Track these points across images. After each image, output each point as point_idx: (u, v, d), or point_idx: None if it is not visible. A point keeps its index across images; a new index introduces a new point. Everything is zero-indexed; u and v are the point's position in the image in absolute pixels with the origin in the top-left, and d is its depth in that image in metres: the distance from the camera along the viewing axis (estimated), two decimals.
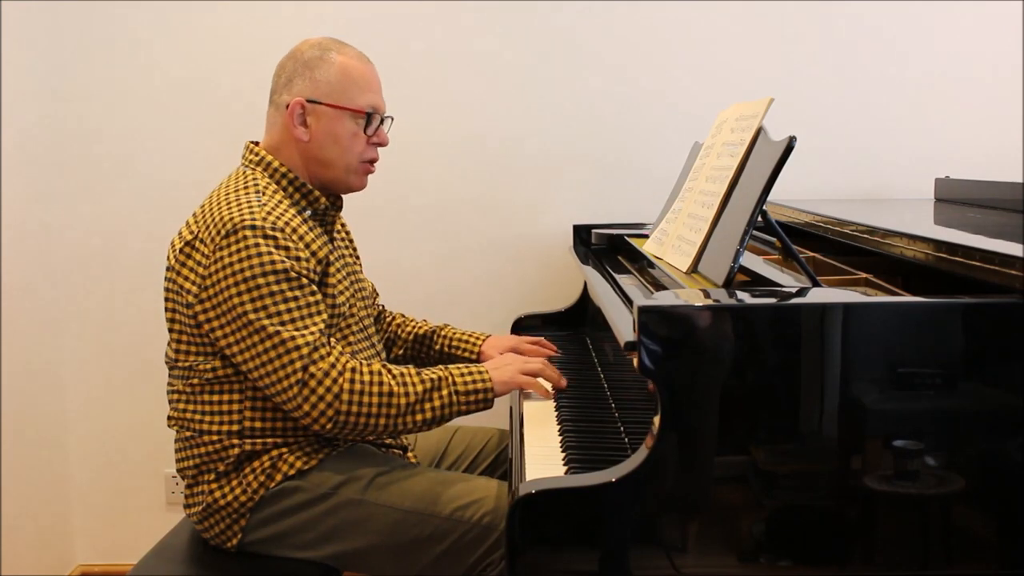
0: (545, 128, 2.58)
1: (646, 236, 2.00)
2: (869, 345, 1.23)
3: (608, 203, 2.59)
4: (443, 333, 2.06)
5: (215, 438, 1.64)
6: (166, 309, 1.65)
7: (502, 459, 1.96)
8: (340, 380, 1.55)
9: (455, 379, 1.64)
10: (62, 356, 2.66)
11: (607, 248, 2.35)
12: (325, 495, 1.63)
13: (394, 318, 2.10)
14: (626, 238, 2.19)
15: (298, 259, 1.57)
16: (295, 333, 1.53)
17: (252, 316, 1.53)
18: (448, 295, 2.61)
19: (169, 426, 1.72)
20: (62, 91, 2.58)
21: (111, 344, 2.68)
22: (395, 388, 1.58)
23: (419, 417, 1.60)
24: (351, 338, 1.72)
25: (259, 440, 1.63)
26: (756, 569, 1.26)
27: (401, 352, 2.07)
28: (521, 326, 2.37)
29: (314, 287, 1.58)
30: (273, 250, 1.54)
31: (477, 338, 2.03)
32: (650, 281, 1.78)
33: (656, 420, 1.23)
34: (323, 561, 1.65)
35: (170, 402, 1.71)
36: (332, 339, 1.60)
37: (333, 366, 1.55)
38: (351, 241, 1.94)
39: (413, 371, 1.63)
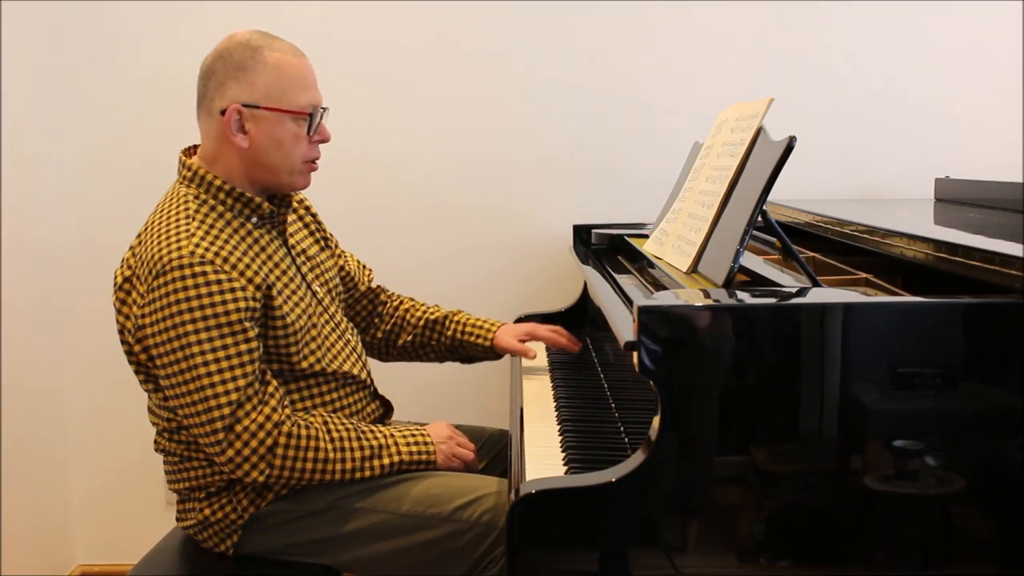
0: (545, 128, 2.58)
1: (646, 236, 2.00)
2: (869, 345, 1.23)
3: (608, 203, 2.59)
4: (456, 319, 2.02)
5: (203, 462, 1.62)
6: (121, 342, 1.60)
7: (500, 457, 1.95)
8: (268, 440, 1.51)
9: (400, 448, 1.64)
10: (62, 356, 2.66)
11: (607, 248, 2.34)
12: (323, 509, 1.62)
13: (401, 302, 2.04)
14: (626, 238, 2.19)
15: (232, 290, 1.50)
16: (220, 387, 1.48)
17: (183, 364, 1.49)
18: (449, 295, 2.60)
19: (156, 451, 1.69)
20: (63, 92, 2.58)
21: (111, 344, 2.66)
22: (331, 455, 1.57)
23: (357, 475, 1.60)
24: (325, 343, 1.67)
25: None
26: (756, 569, 1.26)
27: (410, 338, 2.01)
28: None
29: (248, 329, 1.51)
30: (203, 290, 1.48)
31: (492, 325, 2.00)
32: (650, 281, 1.78)
33: (656, 420, 1.23)
34: (322, 563, 1.65)
35: (153, 424, 1.68)
36: (271, 386, 1.54)
37: (262, 426, 1.51)
38: (318, 226, 1.86)
39: (354, 434, 1.61)
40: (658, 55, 2.55)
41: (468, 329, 2.00)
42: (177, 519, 1.71)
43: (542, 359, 2.12)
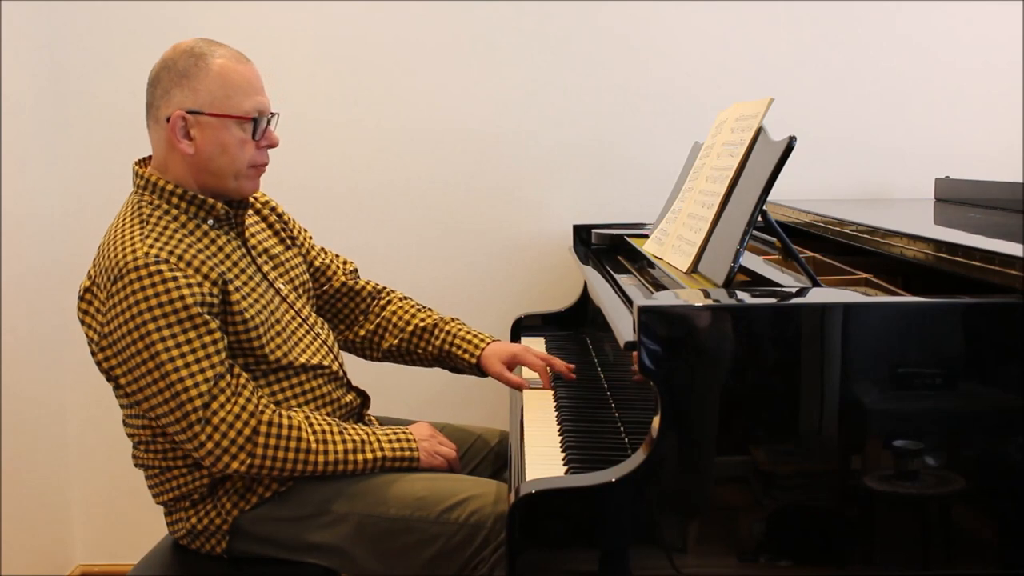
0: (545, 128, 2.58)
1: (646, 236, 2.00)
2: (869, 345, 1.23)
3: (608, 203, 2.59)
4: (447, 328, 1.93)
5: (183, 471, 1.63)
6: (91, 354, 1.61)
7: (490, 459, 1.94)
8: (246, 430, 1.52)
9: (383, 444, 1.64)
10: (62, 356, 2.66)
11: (607, 248, 2.35)
12: (310, 514, 1.62)
13: (390, 302, 1.97)
14: (626, 238, 2.19)
15: (189, 285, 1.51)
16: (189, 380, 1.50)
17: (150, 364, 1.50)
18: (448, 295, 2.61)
19: (135, 465, 1.70)
20: (63, 90, 2.58)
21: None
22: (314, 446, 1.58)
23: (340, 468, 1.60)
24: (292, 337, 1.68)
25: None
26: (756, 569, 1.26)
27: (396, 342, 1.94)
28: (521, 326, 2.37)
29: (209, 320, 1.52)
30: (160, 287, 1.50)
31: (482, 340, 1.91)
32: (650, 281, 1.78)
33: (656, 420, 1.23)
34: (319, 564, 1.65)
35: (129, 437, 1.69)
36: (243, 378, 1.56)
37: (239, 416, 1.52)
38: (284, 225, 1.84)
39: (336, 429, 1.62)
40: (658, 55, 2.55)
41: (457, 342, 1.92)
42: (168, 530, 1.72)
43: None
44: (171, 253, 1.53)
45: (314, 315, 1.81)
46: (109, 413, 2.68)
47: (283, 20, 2.57)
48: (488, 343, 1.92)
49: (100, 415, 2.69)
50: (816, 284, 1.42)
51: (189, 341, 1.51)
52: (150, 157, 1.70)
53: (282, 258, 1.79)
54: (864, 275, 1.55)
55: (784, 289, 1.38)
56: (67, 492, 2.72)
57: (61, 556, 2.71)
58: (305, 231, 1.94)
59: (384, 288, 2.01)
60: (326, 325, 1.85)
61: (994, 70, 2.52)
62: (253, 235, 1.75)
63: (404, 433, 1.69)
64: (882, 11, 2.52)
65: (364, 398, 1.85)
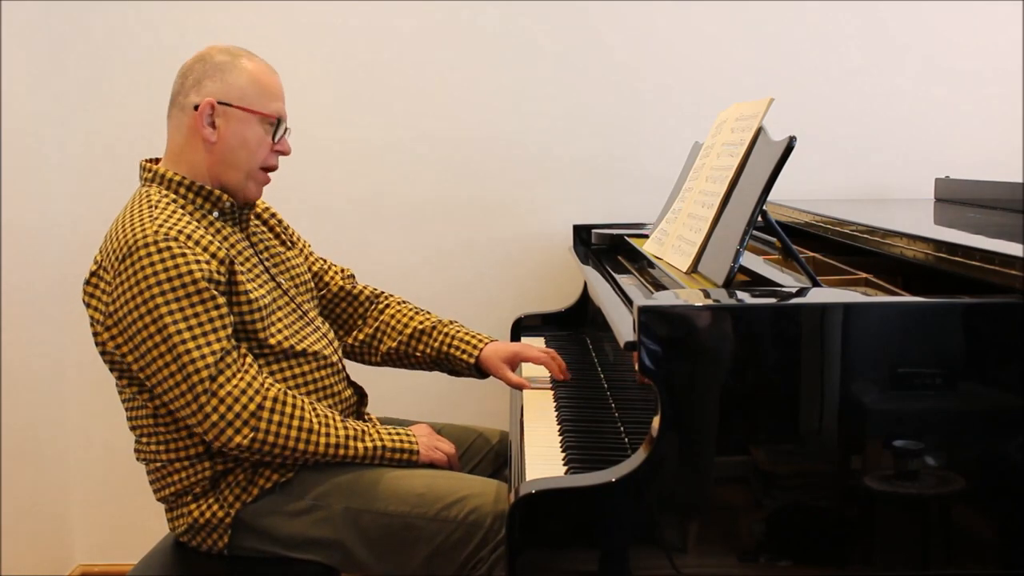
0: (545, 128, 2.58)
1: (646, 236, 2.00)
2: (869, 345, 1.23)
3: (608, 203, 2.59)
4: (445, 330, 1.94)
5: (185, 464, 1.63)
6: (96, 343, 1.62)
7: (489, 459, 1.94)
8: (251, 405, 1.53)
9: (382, 435, 1.66)
10: (62, 356, 2.66)
11: (607, 248, 2.35)
12: (310, 508, 1.63)
13: (388, 305, 1.99)
14: (626, 238, 2.19)
15: (198, 262, 1.54)
16: (196, 352, 1.51)
17: (157, 337, 1.52)
18: (448, 295, 2.61)
19: (137, 459, 1.71)
20: (63, 89, 2.58)
21: None
22: (316, 427, 1.59)
23: (340, 452, 1.62)
24: (293, 326, 1.70)
25: (231, 458, 1.63)
26: (756, 569, 1.26)
27: (395, 345, 1.95)
28: (521, 326, 2.37)
29: (216, 296, 1.55)
30: (169, 263, 1.52)
31: (480, 341, 1.92)
32: (650, 281, 1.78)
33: (656, 420, 1.23)
34: (318, 561, 1.65)
35: (132, 431, 1.70)
36: (248, 357, 1.57)
37: (244, 391, 1.54)
38: (284, 229, 1.89)
39: (338, 417, 1.64)
40: (658, 55, 2.55)
41: (455, 343, 1.92)
42: (169, 528, 1.72)
43: None
44: (180, 232, 1.56)
45: (315, 311, 1.83)
46: (109, 413, 2.68)
47: (281, 26, 2.56)
48: (487, 343, 1.93)
49: (100, 415, 2.69)
50: (816, 284, 1.42)
51: (197, 315, 1.53)
52: (156, 159, 1.74)
53: (283, 256, 1.81)
54: (864, 275, 1.55)
55: (784, 289, 1.38)
56: (67, 492, 2.72)
57: (61, 556, 2.71)
58: (303, 239, 1.97)
59: (382, 293, 2.03)
60: (326, 322, 1.86)
61: (994, 70, 2.52)
62: (255, 234, 1.78)
63: (404, 429, 1.72)
64: (882, 11, 2.52)
65: (361, 395, 1.86)
